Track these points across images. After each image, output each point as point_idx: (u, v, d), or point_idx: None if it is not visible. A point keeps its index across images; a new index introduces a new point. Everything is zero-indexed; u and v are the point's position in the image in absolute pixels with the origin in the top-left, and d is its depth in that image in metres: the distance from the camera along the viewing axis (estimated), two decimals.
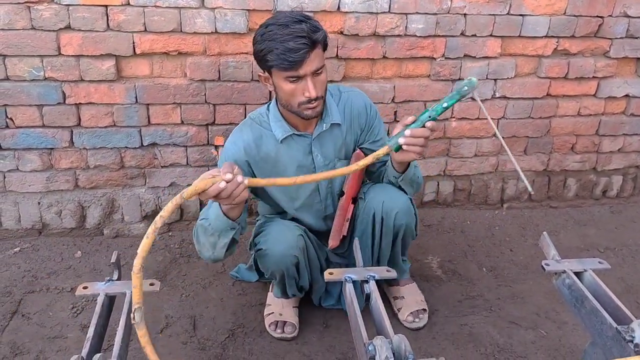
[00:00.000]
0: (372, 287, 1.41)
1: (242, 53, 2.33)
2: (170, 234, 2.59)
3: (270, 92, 2.38)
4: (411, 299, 2.14)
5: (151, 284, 1.38)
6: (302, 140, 1.87)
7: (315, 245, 2.00)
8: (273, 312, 2.06)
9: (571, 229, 2.83)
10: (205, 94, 2.37)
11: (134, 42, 2.23)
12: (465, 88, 1.45)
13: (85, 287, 1.38)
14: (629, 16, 2.64)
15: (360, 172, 1.95)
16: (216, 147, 2.49)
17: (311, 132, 1.87)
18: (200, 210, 2.27)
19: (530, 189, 1.37)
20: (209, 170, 2.44)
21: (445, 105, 1.49)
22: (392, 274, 1.48)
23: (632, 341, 1.21)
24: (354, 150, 1.95)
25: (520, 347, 2.02)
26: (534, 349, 2.01)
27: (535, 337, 2.07)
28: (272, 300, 2.11)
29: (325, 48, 1.72)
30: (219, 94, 2.38)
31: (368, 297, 1.42)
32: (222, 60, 2.32)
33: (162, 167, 2.49)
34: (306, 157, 1.89)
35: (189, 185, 2.46)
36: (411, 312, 2.09)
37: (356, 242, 1.61)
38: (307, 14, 1.74)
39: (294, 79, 1.67)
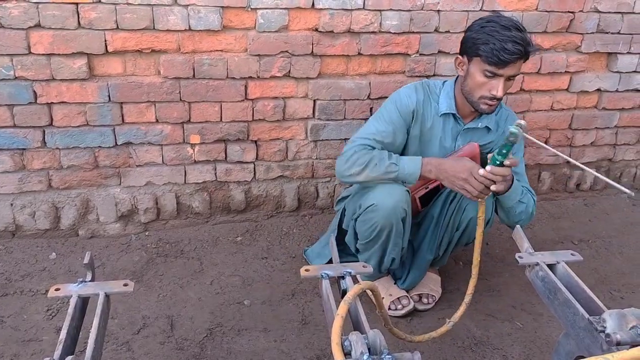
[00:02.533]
0: (348, 283, 1.41)
1: (217, 50, 2.32)
2: (147, 233, 2.57)
3: None
4: (427, 282, 2.23)
5: (125, 285, 1.36)
6: (455, 124, 2.04)
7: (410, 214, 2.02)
8: (383, 297, 2.12)
9: (546, 221, 2.87)
10: (179, 91, 2.35)
11: (106, 40, 2.19)
12: (512, 138, 1.52)
13: (57, 289, 1.36)
14: (599, 11, 2.68)
15: None
16: (192, 145, 2.47)
17: (466, 122, 2.03)
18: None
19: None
20: (184, 168, 2.47)
21: (498, 162, 1.65)
22: (368, 269, 1.48)
23: (603, 331, 1.23)
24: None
25: (497, 339, 2.05)
26: (510, 341, 2.04)
27: (512, 329, 2.10)
28: None
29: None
30: (193, 92, 2.36)
31: (344, 292, 1.42)
32: (197, 58, 2.30)
33: (137, 166, 2.46)
34: (450, 140, 2.05)
35: (165, 184, 2.47)
36: (418, 294, 2.19)
37: (332, 239, 1.61)
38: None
39: (491, 75, 1.82)
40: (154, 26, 2.21)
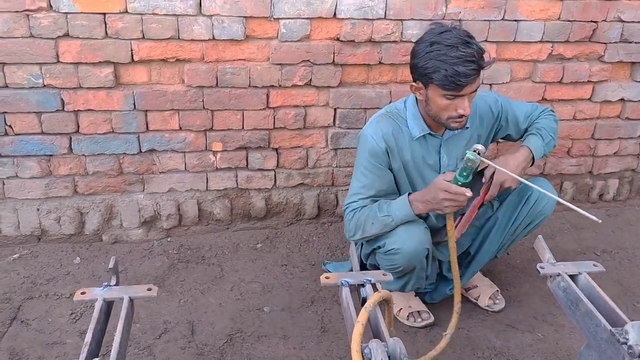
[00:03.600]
0: (368, 291, 1.42)
1: (240, 59, 2.35)
2: (168, 239, 2.60)
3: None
4: (484, 285, 2.28)
5: (149, 289, 1.39)
6: (433, 140, 1.98)
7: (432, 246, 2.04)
8: (402, 308, 2.16)
9: (568, 232, 2.84)
10: (203, 100, 2.38)
11: (132, 49, 2.24)
12: (469, 164, 1.57)
13: (83, 293, 1.39)
14: (622, 21, 2.66)
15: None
16: (214, 152, 2.50)
17: (442, 133, 1.98)
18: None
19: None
20: (206, 175, 2.50)
21: (463, 180, 1.64)
22: (388, 277, 1.49)
23: (625, 343, 1.22)
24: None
25: (517, 350, 2.03)
26: (531, 352, 2.02)
27: (532, 341, 2.08)
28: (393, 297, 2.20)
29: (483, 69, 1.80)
30: (216, 100, 2.39)
31: (364, 300, 1.42)
32: (220, 67, 2.34)
33: (160, 173, 2.50)
34: (434, 156, 2.00)
35: (187, 191, 2.51)
36: (489, 296, 2.23)
37: (352, 246, 1.62)
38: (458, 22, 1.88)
39: (452, 97, 1.75)
40: (178, 36, 2.25)
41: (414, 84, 1.86)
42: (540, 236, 1.63)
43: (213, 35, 2.27)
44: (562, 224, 2.91)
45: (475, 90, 1.80)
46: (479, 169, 1.73)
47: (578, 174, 3.00)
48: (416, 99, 1.94)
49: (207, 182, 2.56)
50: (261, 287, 2.30)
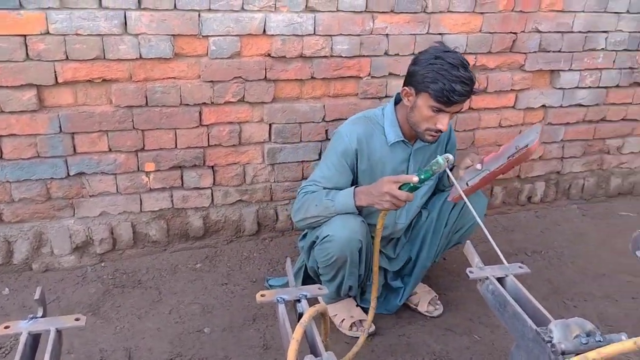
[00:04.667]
0: (304, 306, 1.42)
1: (169, 78, 2.32)
2: (103, 264, 2.52)
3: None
4: (423, 291, 2.35)
5: (76, 319, 1.34)
6: (404, 148, 2.08)
7: (369, 243, 2.06)
8: (344, 319, 2.18)
9: (500, 234, 2.95)
10: (132, 120, 2.34)
11: (55, 71, 2.17)
12: (434, 168, 1.66)
13: (6, 327, 1.32)
14: (540, 31, 2.81)
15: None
16: (147, 173, 2.45)
17: (413, 142, 2.08)
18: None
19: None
20: (140, 197, 2.45)
21: (422, 177, 1.70)
22: (324, 291, 1.49)
23: (550, 342, 1.27)
24: None
25: (456, 353, 2.08)
26: (469, 354, 2.08)
27: (470, 343, 2.14)
28: (332, 309, 2.21)
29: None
30: (147, 120, 2.35)
31: (301, 315, 1.42)
32: (149, 86, 2.30)
33: (91, 196, 2.42)
34: (402, 164, 2.10)
35: (120, 214, 2.44)
36: (429, 302, 2.30)
37: (287, 262, 1.62)
38: None
39: (438, 110, 1.86)
40: (104, 56, 2.20)
41: (406, 88, 1.95)
42: (468, 241, 1.68)
43: (140, 54, 2.23)
44: (494, 226, 3.02)
45: (458, 112, 1.92)
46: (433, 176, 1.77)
47: (507, 179, 3.12)
48: (395, 107, 2.06)
49: (141, 204, 2.50)
50: (201, 308, 2.26)
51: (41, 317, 1.38)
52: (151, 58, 2.26)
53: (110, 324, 2.16)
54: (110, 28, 2.16)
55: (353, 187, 1.94)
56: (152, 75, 2.29)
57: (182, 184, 2.53)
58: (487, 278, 1.55)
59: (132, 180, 2.44)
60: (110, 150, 2.36)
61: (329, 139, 2.56)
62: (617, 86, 3.10)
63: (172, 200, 2.55)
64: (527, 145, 1.72)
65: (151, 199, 2.51)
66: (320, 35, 2.44)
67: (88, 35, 2.15)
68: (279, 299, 1.44)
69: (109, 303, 2.28)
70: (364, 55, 2.55)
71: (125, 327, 2.15)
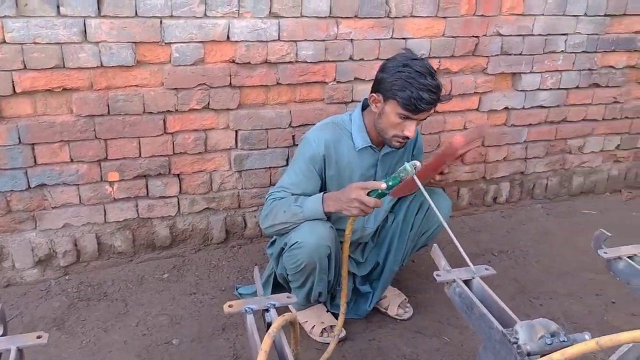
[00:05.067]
0: (272, 316, 1.41)
1: (132, 86, 2.28)
2: (67, 277, 2.46)
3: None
4: (392, 295, 2.35)
5: (38, 337, 1.30)
6: (372, 154, 2.08)
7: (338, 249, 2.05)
8: (315, 325, 2.18)
9: (467, 235, 2.99)
10: (94, 129, 2.29)
11: (13, 81, 2.11)
12: (402, 174, 1.67)
13: None
14: (501, 35, 2.86)
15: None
16: (110, 183, 2.41)
17: (380, 148, 2.09)
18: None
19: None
20: (104, 207, 2.40)
21: (390, 183, 1.71)
22: (292, 299, 1.49)
23: (516, 343, 1.29)
24: None
25: (426, 355, 2.10)
26: (439, 356, 2.10)
27: (439, 344, 2.16)
28: (302, 316, 2.19)
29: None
30: (109, 129, 2.31)
31: (270, 325, 1.41)
32: (111, 94, 2.26)
33: (53, 208, 2.36)
34: (370, 169, 2.11)
35: (84, 225, 2.39)
36: (398, 305, 2.31)
37: (255, 270, 1.61)
38: None
39: (405, 118, 1.87)
40: (64, 64, 2.15)
41: (374, 95, 1.95)
42: (435, 245, 1.70)
43: (101, 62, 2.19)
44: (461, 227, 3.05)
45: (425, 119, 1.94)
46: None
47: (473, 180, 3.17)
48: (362, 113, 2.06)
49: (105, 214, 2.45)
50: (169, 319, 2.23)
51: (1, 335, 1.34)
52: (112, 66, 2.22)
53: (76, 338, 2.11)
54: (70, 36, 2.12)
55: (321, 193, 1.94)
56: (114, 83, 2.25)
57: (148, 193, 2.49)
58: (454, 281, 1.57)
59: (95, 190, 2.39)
60: (72, 160, 2.31)
61: (296, 145, 2.55)
62: (577, 87, 3.18)
63: (137, 210, 2.50)
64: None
65: (116, 209, 2.46)
66: (284, 40, 2.44)
67: (46, 43, 2.10)
68: (247, 309, 1.43)
69: (74, 317, 2.23)
70: (329, 61, 2.55)
71: (91, 341, 2.10)
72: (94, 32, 2.14)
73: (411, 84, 1.82)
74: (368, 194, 1.75)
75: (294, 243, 1.93)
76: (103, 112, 2.27)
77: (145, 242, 2.56)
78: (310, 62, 2.52)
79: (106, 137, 2.32)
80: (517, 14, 2.84)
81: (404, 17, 2.60)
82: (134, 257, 2.57)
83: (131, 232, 2.52)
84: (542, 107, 3.14)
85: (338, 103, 2.65)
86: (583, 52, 3.08)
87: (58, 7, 2.07)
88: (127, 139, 2.36)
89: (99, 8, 2.12)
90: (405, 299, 2.36)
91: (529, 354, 1.20)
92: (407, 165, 1.66)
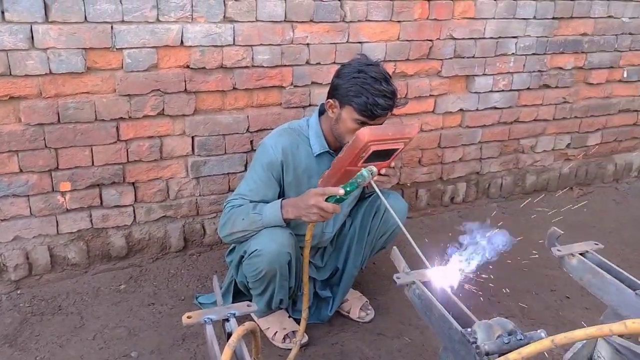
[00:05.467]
0: (233, 326, 1.39)
1: (83, 93, 2.22)
2: (19, 292, 2.37)
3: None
4: (354, 298, 2.36)
5: None
6: (330, 159, 2.01)
7: (298, 255, 2.03)
8: (276, 331, 2.16)
9: (426, 236, 3.02)
10: (44, 138, 2.22)
11: None
12: (359, 180, 1.67)
13: None
14: (454, 38, 2.91)
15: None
16: (62, 193, 2.33)
17: (338, 153, 1.98)
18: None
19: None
20: (56, 218, 2.32)
21: (348, 189, 1.71)
22: (253, 308, 1.47)
23: (474, 343, 1.31)
24: None
25: (388, 357, 2.11)
26: (400, 357, 2.12)
27: (401, 345, 2.18)
28: (264, 322, 2.17)
29: None
30: (60, 137, 2.24)
31: (230, 335, 1.39)
32: (61, 102, 2.19)
33: (2, 220, 2.27)
34: None
35: (35, 237, 2.31)
36: (360, 308, 2.32)
37: (215, 280, 1.58)
38: None
39: (361, 123, 1.86)
40: (10, 72, 2.07)
41: (330, 100, 1.95)
42: (395, 247, 1.71)
43: (50, 70, 2.12)
44: (420, 228, 3.09)
45: (381, 124, 1.93)
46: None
47: (430, 181, 3.21)
48: (319, 118, 2.06)
49: (57, 226, 2.37)
50: (127, 332, 2.17)
51: None
52: (62, 73, 2.15)
53: (29, 354, 2.03)
54: (16, 43, 2.04)
55: (280, 199, 1.92)
56: (64, 90, 2.19)
57: (102, 203, 2.43)
58: (413, 282, 1.59)
59: (46, 201, 2.32)
60: (21, 171, 2.23)
61: (255, 150, 2.53)
62: (528, 89, 3.27)
63: (91, 220, 2.43)
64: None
65: (68, 219, 2.39)
66: (240, 45, 2.42)
67: None
68: (206, 319, 1.40)
69: (27, 332, 2.15)
70: (285, 65, 2.54)
71: (46, 356, 2.03)
72: (42, 38, 2.07)
73: (367, 90, 1.83)
74: (326, 200, 1.75)
75: (254, 251, 1.91)
76: (53, 120, 2.20)
77: (100, 252, 2.50)
78: (267, 67, 2.51)
79: (57, 146, 2.25)
80: (469, 18, 2.90)
81: (359, 21, 2.62)
82: (88, 269, 2.50)
83: (85, 243, 2.45)
84: (495, 108, 3.22)
85: (296, 107, 2.65)
86: (533, 54, 3.17)
87: (3, 12, 2.00)
88: (79, 147, 2.29)
89: (46, 14, 2.05)
90: (367, 301, 2.37)
91: (487, 354, 1.22)
92: (364, 171, 1.66)
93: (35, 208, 2.31)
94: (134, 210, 2.51)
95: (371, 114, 1.85)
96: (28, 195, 2.28)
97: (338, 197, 1.73)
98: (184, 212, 2.62)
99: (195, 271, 2.60)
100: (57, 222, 2.37)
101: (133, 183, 2.46)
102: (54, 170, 2.29)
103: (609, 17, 3.29)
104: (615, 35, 3.38)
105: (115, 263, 2.55)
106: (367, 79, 1.84)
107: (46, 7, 2.05)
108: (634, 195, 3.79)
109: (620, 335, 1.15)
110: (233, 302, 2.15)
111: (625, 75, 3.56)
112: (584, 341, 1.31)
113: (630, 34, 3.42)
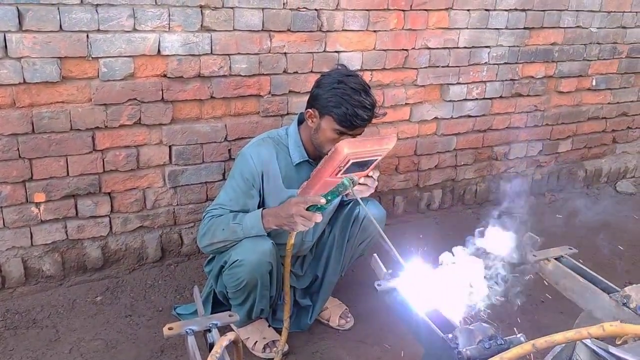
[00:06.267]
0: (215, 336, 1.39)
1: (58, 102, 2.19)
2: None
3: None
4: (334, 306, 2.38)
5: None
6: (308, 167, 2.05)
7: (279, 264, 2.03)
8: (257, 341, 2.15)
9: (403, 244, 3.04)
10: (18, 148, 2.18)
11: None
12: (340, 189, 1.69)
13: None
14: (429, 48, 2.96)
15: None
16: (37, 204, 2.29)
17: (318, 162, 1.95)
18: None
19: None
20: (30, 230, 2.28)
21: (329, 198, 1.73)
22: (234, 318, 1.47)
23: (456, 348, 1.33)
24: None
25: None
26: None
27: (381, 352, 2.19)
28: (244, 332, 2.15)
29: None
30: (34, 148, 2.20)
31: (212, 346, 1.39)
32: (35, 112, 2.16)
33: None
34: None
35: (8, 249, 2.26)
36: (340, 316, 2.33)
37: (195, 290, 1.57)
38: None
39: (341, 133, 1.88)
40: None
41: (310, 110, 1.96)
42: (375, 255, 1.73)
43: (24, 79, 2.09)
44: (397, 235, 3.11)
45: (360, 134, 1.94)
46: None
47: (407, 188, 3.24)
48: (298, 127, 2.06)
49: (31, 237, 2.33)
50: (104, 344, 2.14)
51: None
52: (36, 82, 2.12)
53: None
54: None
55: (260, 209, 1.92)
56: (39, 100, 2.15)
57: (77, 214, 2.39)
58: (394, 289, 1.60)
59: (20, 212, 2.27)
60: None
61: (233, 159, 2.53)
62: (501, 97, 3.33)
63: (66, 232, 2.40)
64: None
65: (43, 231, 2.35)
66: (217, 54, 2.42)
67: None
68: (188, 330, 1.40)
69: (1, 347, 2.10)
70: (263, 74, 2.55)
71: None
72: (15, 47, 2.04)
73: (347, 101, 1.84)
74: (307, 209, 1.75)
75: (235, 261, 1.90)
76: (27, 130, 2.17)
77: (76, 264, 2.46)
78: (245, 76, 2.51)
79: (31, 157, 2.21)
80: (443, 28, 2.95)
81: (335, 31, 2.64)
82: (63, 281, 2.45)
83: (60, 255, 2.41)
84: (469, 116, 3.27)
85: (274, 116, 2.66)
86: (505, 63, 3.24)
87: None
88: (54, 157, 2.26)
89: (20, 22, 2.03)
90: (346, 309, 2.38)
91: (469, 359, 1.24)
92: (345, 180, 1.68)
93: (8, 219, 2.26)
94: (110, 221, 2.48)
95: (350, 125, 1.86)
96: (1, 207, 2.24)
97: (319, 205, 1.74)
98: (161, 222, 2.60)
99: (173, 282, 2.58)
100: (31, 233, 2.33)
101: (109, 193, 2.43)
102: (28, 181, 2.25)
103: (578, 27, 3.39)
104: (584, 44, 3.48)
105: (91, 275, 2.51)
106: (347, 90, 1.86)
107: (20, 16, 2.02)
108: (604, 200, 3.89)
109: (598, 338, 1.18)
110: (212, 313, 2.14)
111: (594, 83, 3.66)
112: (563, 344, 1.34)
113: (598, 43, 3.53)
